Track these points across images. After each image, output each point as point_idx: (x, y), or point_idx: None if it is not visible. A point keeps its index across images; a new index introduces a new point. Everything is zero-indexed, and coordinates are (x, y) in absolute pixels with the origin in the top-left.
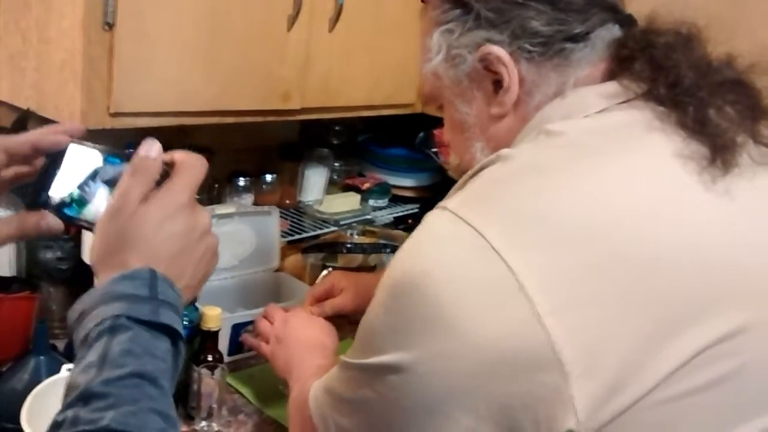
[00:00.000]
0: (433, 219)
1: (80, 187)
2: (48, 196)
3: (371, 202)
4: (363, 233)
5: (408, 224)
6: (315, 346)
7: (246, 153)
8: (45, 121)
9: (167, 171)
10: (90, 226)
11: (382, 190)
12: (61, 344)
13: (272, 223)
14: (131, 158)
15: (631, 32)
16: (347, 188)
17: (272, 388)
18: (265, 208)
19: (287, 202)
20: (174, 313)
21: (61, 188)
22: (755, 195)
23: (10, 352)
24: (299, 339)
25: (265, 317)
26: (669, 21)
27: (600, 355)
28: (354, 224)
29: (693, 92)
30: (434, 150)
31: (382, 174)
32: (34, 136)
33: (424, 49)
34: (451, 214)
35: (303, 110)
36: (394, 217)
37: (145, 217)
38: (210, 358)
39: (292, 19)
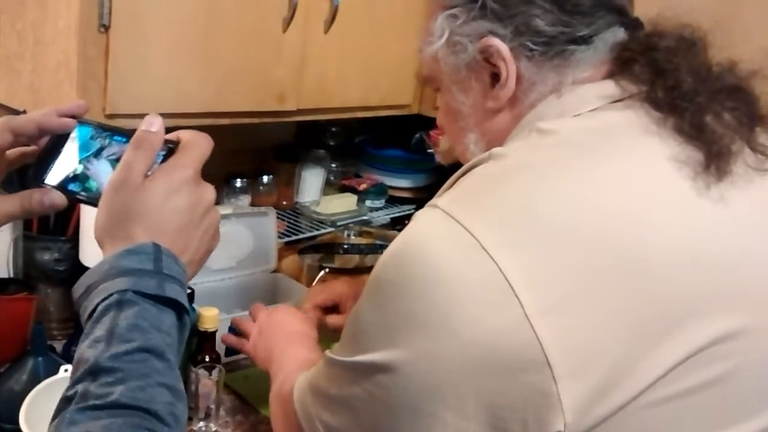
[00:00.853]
0: (423, 216)
1: (85, 163)
2: (52, 173)
3: (368, 203)
4: (360, 234)
5: (405, 225)
6: (298, 337)
7: (243, 154)
8: None
9: (173, 149)
10: (94, 202)
11: (379, 191)
12: (58, 345)
13: (269, 224)
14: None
15: (635, 35)
16: (344, 189)
17: (269, 389)
18: (262, 209)
19: (284, 203)
20: (179, 287)
21: (65, 165)
22: (749, 202)
23: (8, 353)
24: (281, 330)
25: (250, 315)
26: (674, 24)
27: (589, 357)
28: (351, 225)
29: (691, 97)
30: (430, 151)
31: (378, 175)
32: (39, 116)
33: (426, 31)
34: (442, 212)
35: (299, 111)
36: (391, 218)
37: (150, 190)
38: (207, 358)
39: (288, 21)
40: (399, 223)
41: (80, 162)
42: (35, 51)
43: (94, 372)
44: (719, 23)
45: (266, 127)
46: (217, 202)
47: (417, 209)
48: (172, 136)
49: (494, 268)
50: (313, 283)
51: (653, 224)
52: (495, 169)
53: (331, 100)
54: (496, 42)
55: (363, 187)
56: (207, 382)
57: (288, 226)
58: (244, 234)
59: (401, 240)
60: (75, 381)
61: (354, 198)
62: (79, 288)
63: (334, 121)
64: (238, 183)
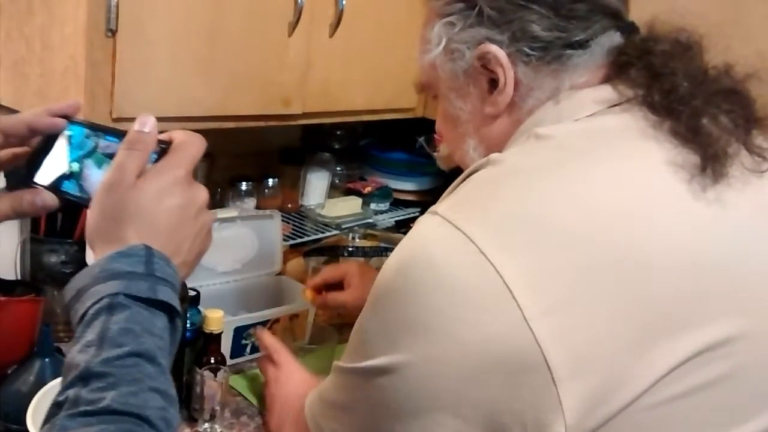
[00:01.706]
0: (423, 223)
1: (78, 164)
2: (43, 173)
3: (372, 205)
4: (364, 237)
5: (409, 228)
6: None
7: (248, 158)
8: None
9: (165, 149)
10: (86, 203)
11: (384, 193)
12: (65, 347)
13: (274, 227)
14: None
15: (631, 39)
16: (349, 192)
17: None
18: (267, 212)
19: (289, 206)
20: (171, 290)
21: (57, 165)
22: (746, 204)
23: (15, 355)
24: (289, 405)
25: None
26: (669, 28)
27: (588, 359)
28: (355, 228)
29: (687, 100)
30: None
31: (383, 178)
32: (29, 116)
33: (423, 39)
34: (441, 219)
35: (304, 115)
36: (396, 221)
37: (141, 190)
38: (212, 360)
39: (293, 25)
40: (404, 226)
41: (73, 162)
42: (43, 56)
43: (84, 377)
44: (717, 26)
45: (271, 131)
46: (222, 205)
47: (422, 212)
48: (164, 136)
49: (493, 273)
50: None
51: (650, 226)
52: (492, 175)
53: (336, 104)
54: (494, 48)
55: (368, 190)
56: (212, 383)
57: (293, 229)
58: (249, 237)
59: (402, 247)
60: (66, 386)
61: (359, 201)
62: (69, 291)
63: (339, 124)
64: (244, 186)
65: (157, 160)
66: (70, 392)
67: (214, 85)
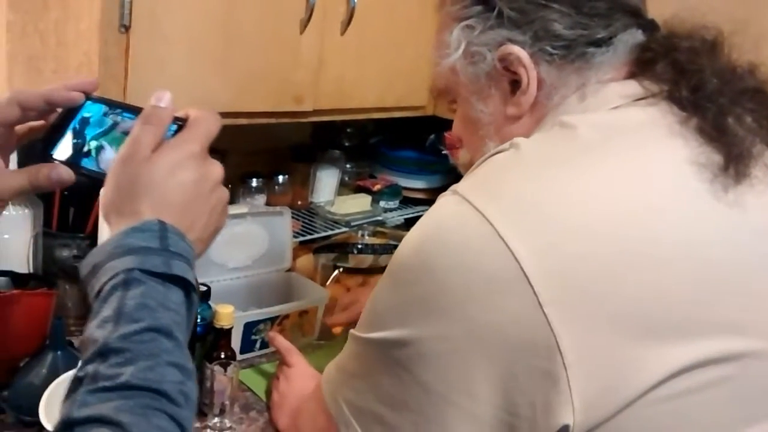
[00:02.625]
0: (443, 201)
1: (96, 140)
2: (61, 148)
3: (382, 203)
4: (374, 234)
5: None
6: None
7: (259, 154)
8: None
9: (181, 126)
10: (103, 178)
11: (393, 191)
12: (76, 340)
13: (284, 223)
14: None
15: (654, 36)
16: (358, 190)
17: None
18: (278, 208)
19: (299, 203)
20: (186, 264)
21: (75, 141)
22: (766, 207)
23: (28, 348)
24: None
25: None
26: (692, 25)
27: (598, 348)
28: (365, 225)
29: (715, 98)
30: (444, 153)
31: (393, 176)
32: (47, 90)
33: (440, 44)
34: (460, 198)
35: (315, 112)
36: (405, 219)
37: (155, 163)
38: (222, 355)
39: (305, 23)
40: (413, 224)
41: (91, 139)
42: (57, 52)
43: (103, 353)
44: (738, 24)
45: (282, 128)
46: (233, 202)
47: None
48: (180, 112)
49: (509, 256)
50: (327, 283)
51: (667, 223)
52: (515, 159)
53: (347, 101)
54: (516, 49)
55: (377, 187)
56: (222, 378)
57: (303, 226)
58: (260, 233)
59: (421, 223)
60: (85, 362)
61: (368, 198)
62: (85, 267)
63: (350, 122)
64: (254, 183)
65: (173, 136)
66: (89, 368)
67: (227, 81)
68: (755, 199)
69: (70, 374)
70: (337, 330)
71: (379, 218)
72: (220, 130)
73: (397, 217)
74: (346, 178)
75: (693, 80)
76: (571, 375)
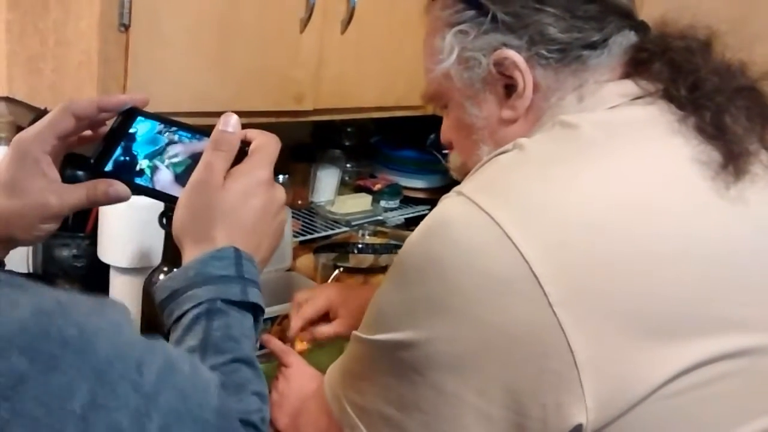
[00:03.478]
0: (448, 202)
1: (150, 158)
2: (114, 164)
3: (382, 203)
4: (374, 234)
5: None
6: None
7: None
8: None
9: (244, 149)
10: (160, 197)
11: (394, 191)
12: None
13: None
14: (199, 131)
15: (648, 36)
16: (359, 189)
17: None
18: None
19: (299, 202)
20: (257, 290)
21: (129, 157)
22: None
23: None
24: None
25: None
26: (683, 25)
27: (611, 348)
28: (365, 225)
29: (712, 97)
30: (444, 152)
31: (393, 175)
32: (98, 98)
33: (432, 49)
34: (466, 199)
35: (315, 111)
36: (405, 218)
37: (229, 190)
38: None
39: (305, 22)
40: (413, 224)
41: (146, 156)
42: (56, 51)
43: None
44: (725, 23)
45: (282, 127)
46: None
47: (431, 210)
48: (240, 133)
49: (518, 257)
50: (327, 283)
51: (674, 220)
52: (519, 159)
53: (347, 101)
54: (511, 53)
55: (378, 187)
56: None
57: (303, 226)
58: None
59: (426, 225)
60: None
61: (369, 198)
62: (163, 290)
63: (350, 121)
64: None
65: (236, 159)
66: None
67: (227, 80)
68: (756, 195)
69: None
70: (301, 346)
71: (380, 218)
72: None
73: (397, 217)
74: (347, 178)
75: (690, 79)
76: (583, 375)
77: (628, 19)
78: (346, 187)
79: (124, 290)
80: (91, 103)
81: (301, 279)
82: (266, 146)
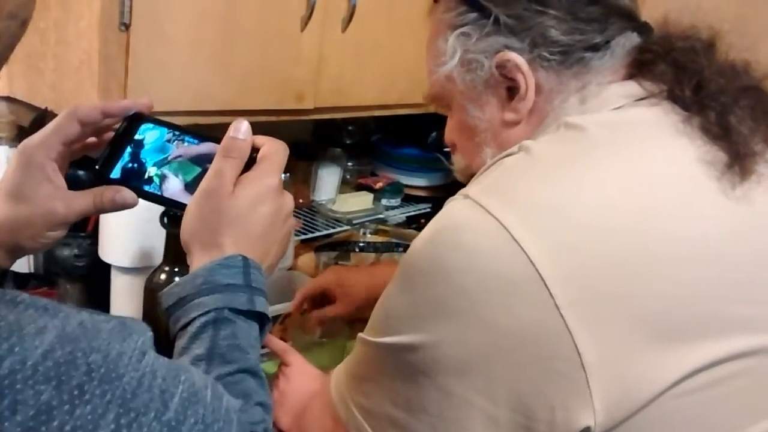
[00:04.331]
0: (454, 205)
1: (158, 165)
2: (120, 170)
3: (384, 201)
4: (376, 232)
5: (420, 224)
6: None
7: None
8: None
9: (253, 156)
10: (167, 203)
11: (395, 189)
12: None
13: None
14: (206, 136)
15: (651, 37)
16: (360, 188)
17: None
18: None
19: (300, 201)
20: (264, 298)
21: (135, 163)
22: None
23: None
24: (298, 399)
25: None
26: (685, 26)
27: (620, 350)
28: (367, 223)
29: (717, 97)
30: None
31: (394, 174)
32: (103, 103)
33: (435, 51)
34: (473, 202)
35: (316, 110)
36: (407, 217)
37: (239, 198)
38: None
39: (306, 20)
40: (415, 222)
41: (154, 163)
42: (57, 50)
43: None
44: (726, 23)
45: (283, 126)
46: None
47: (433, 208)
48: (249, 139)
49: (525, 260)
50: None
51: (681, 221)
52: (525, 162)
53: (348, 99)
54: (514, 56)
55: (379, 185)
56: None
57: (304, 224)
58: None
59: (433, 228)
60: None
61: (370, 196)
62: (170, 297)
63: (351, 119)
64: None
65: (245, 166)
66: None
67: (228, 79)
68: (762, 196)
69: None
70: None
71: (381, 216)
72: (222, 127)
73: (398, 215)
74: (348, 176)
75: (694, 80)
76: (591, 377)
77: (631, 20)
78: (347, 185)
79: (126, 290)
80: (95, 108)
81: (302, 277)
82: (275, 154)
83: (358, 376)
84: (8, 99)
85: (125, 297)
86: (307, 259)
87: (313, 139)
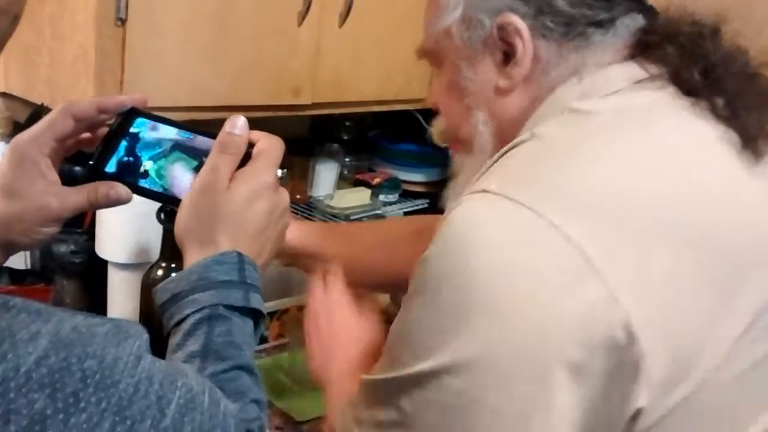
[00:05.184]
0: (472, 205)
1: (154, 159)
2: (115, 165)
3: (381, 197)
4: None
5: None
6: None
7: None
8: None
9: (249, 152)
10: (162, 198)
11: (393, 185)
12: None
13: None
14: (200, 131)
15: (656, 21)
16: (357, 183)
17: (277, 380)
18: None
19: (298, 197)
20: (258, 294)
21: (129, 159)
22: None
23: None
24: (341, 344)
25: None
26: (690, 12)
27: (671, 330)
28: (364, 219)
29: (723, 82)
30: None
31: (392, 169)
32: (97, 98)
33: (436, 3)
34: (497, 196)
35: (313, 105)
36: (404, 212)
37: (235, 194)
38: None
39: (303, 15)
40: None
41: (149, 158)
42: (52, 45)
43: None
44: (736, 10)
45: (280, 121)
46: None
47: (431, 203)
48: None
49: (567, 245)
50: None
51: (713, 200)
52: (542, 149)
53: (345, 94)
54: (515, 20)
55: (377, 181)
56: None
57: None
58: None
59: (451, 232)
60: None
61: (368, 192)
62: (163, 293)
63: (348, 115)
64: None
65: (241, 162)
66: None
67: (224, 74)
68: None
69: None
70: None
71: (379, 212)
72: (219, 123)
73: (396, 211)
74: (345, 172)
75: (700, 64)
76: (648, 362)
77: (638, 2)
78: (344, 181)
79: (123, 286)
80: (90, 104)
81: (299, 274)
82: (271, 149)
83: (382, 425)
84: (4, 95)
85: (122, 293)
86: None
87: (310, 135)
